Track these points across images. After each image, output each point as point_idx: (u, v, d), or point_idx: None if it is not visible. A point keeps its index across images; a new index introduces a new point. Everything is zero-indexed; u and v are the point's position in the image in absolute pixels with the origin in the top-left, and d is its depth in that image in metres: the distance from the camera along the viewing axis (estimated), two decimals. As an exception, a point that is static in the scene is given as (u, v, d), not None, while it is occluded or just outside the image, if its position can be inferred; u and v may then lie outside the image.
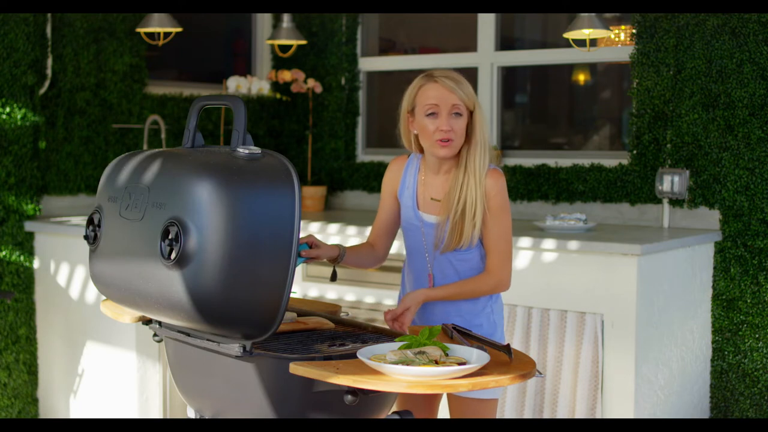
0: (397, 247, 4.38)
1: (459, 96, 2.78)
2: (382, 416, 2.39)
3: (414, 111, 2.85)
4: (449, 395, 2.91)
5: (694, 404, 4.35)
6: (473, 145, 2.80)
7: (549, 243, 3.99)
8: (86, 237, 2.38)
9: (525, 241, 4.04)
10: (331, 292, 4.64)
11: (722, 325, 4.41)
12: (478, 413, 2.89)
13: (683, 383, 4.24)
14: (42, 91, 4.71)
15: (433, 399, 3.03)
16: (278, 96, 5.70)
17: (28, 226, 4.67)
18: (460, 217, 2.79)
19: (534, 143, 5.53)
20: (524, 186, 4.94)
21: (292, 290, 2.18)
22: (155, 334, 2.57)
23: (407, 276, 3.00)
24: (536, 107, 5.80)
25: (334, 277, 2.89)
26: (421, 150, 2.91)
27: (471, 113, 2.81)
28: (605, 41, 4.94)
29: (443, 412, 3.29)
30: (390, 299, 4.42)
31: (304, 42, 5.42)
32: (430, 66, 5.56)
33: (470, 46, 5.31)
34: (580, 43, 4.44)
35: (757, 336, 4.34)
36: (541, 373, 2.76)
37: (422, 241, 2.90)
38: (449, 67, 5.42)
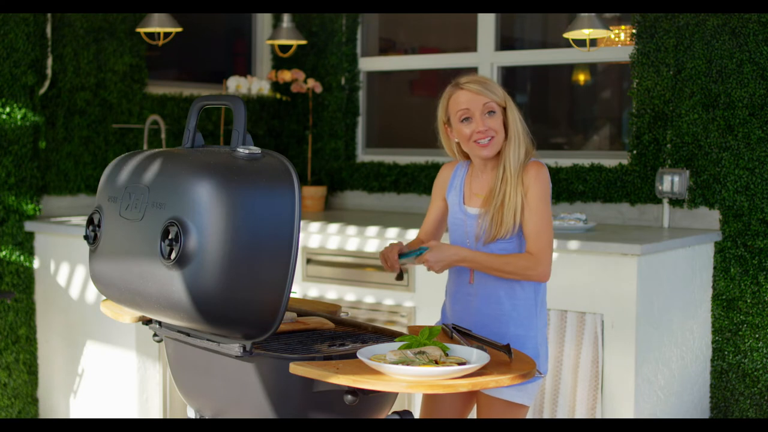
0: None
1: (488, 95, 2.86)
2: (382, 416, 2.39)
3: (449, 121, 2.95)
4: (479, 402, 2.92)
5: (694, 404, 4.35)
6: (509, 139, 2.87)
7: (549, 243, 3.99)
8: (86, 237, 2.38)
9: (525, 241, 4.04)
10: (331, 292, 4.64)
11: (722, 325, 4.41)
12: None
13: (683, 383, 4.24)
14: (42, 91, 4.71)
15: (462, 408, 3.03)
16: (278, 96, 5.70)
17: (28, 226, 4.67)
18: (499, 208, 2.85)
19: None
20: (524, 186, 4.94)
21: (292, 290, 2.18)
22: (155, 334, 2.57)
23: (451, 273, 3.04)
24: (536, 107, 5.80)
25: (400, 277, 2.97)
26: (466, 156, 3.01)
27: (504, 110, 2.89)
28: (605, 41, 4.94)
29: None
30: (390, 299, 4.43)
31: (304, 42, 5.42)
32: (430, 66, 5.56)
33: (470, 46, 5.31)
34: (580, 43, 4.44)
35: (757, 336, 4.34)
36: (541, 373, 2.77)
37: (465, 233, 2.95)
38: (449, 67, 5.43)
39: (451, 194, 3.03)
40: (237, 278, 2.04)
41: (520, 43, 5.66)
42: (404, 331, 3.19)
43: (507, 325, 2.88)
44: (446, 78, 5.95)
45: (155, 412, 4.37)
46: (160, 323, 2.49)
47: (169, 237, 2.05)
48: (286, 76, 5.46)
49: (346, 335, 2.54)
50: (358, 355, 2.14)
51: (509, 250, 2.88)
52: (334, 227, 4.55)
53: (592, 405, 3.90)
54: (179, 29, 4.66)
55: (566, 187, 4.83)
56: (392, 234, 4.33)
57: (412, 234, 4.23)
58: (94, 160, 4.96)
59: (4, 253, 4.61)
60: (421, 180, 5.31)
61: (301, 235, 3.74)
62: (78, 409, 4.60)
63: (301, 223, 3.86)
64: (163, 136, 5.02)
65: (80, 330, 4.54)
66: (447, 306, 3.05)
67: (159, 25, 4.63)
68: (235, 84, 5.36)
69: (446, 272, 3.05)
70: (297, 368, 2.11)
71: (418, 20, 5.81)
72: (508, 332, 2.87)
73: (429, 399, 3.03)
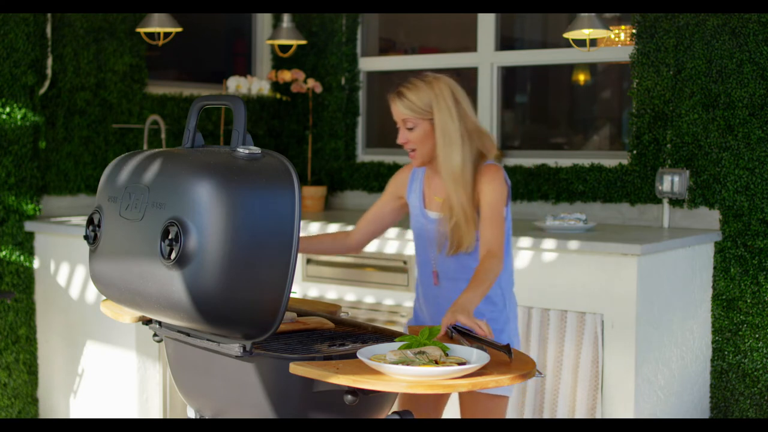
0: (397, 246, 4.38)
1: (404, 113, 2.86)
2: (382, 416, 2.39)
3: None
4: (460, 393, 2.93)
5: (694, 404, 4.35)
6: (438, 146, 2.86)
7: (549, 243, 3.99)
8: (86, 237, 2.38)
9: (525, 241, 4.04)
10: (331, 292, 4.64)
11: (722, 325, 4.41)
12: (489, 410, 2.90)
13: (683, 383, 4.24)
14: (42, 91, 4.71)
15: (438, 399, 3.05)
16: (278, 96, 5.70)
17: (28, 226, 4.67)
18: (456, 223, 2.86)
19: (534, 143, 5.53)
20: (524, 186, 4.94)
21: (292, 290, 2.18)
22: (155, 334, 2.57)
23: (418, 274, 3.06)
24: (536, 107, 5.80)
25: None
26: None
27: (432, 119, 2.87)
28: (605, 41, 4.95)
29: (451, 409, 3.30)
30: (390, 299, 4.43)
31: (304, 42, 5.42)
32: (430, 66, 5.56)
33: (470, 46, 5.31)
34: (580, 43, 4.44)
35: (757, 336, 4.34)
36: (541, 373, 2.77)
37: (427, 241, 2.97)
38: (449, 67, 5.43)
39: (412, 197, 3.03)
40: (237, 278, 2.04)
41: (520, 43, 5.66)
42: (404, 330, 3.20)
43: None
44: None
45: (155, 412, 4.37)
46: (160, 323, 2.49)
47: (169, 237, 2.05)
48: (286, 76, 5.46)
49: (346, 335, 2.54)
50: (358, 355, 2.14)
51: (469, 261, 2.89)
52: (334, 227, 4.55)
53: (592, 405, 3.90)
54: (179, 29, 4.66)
55: (566, 187, 4.83)
56: (392, 233, 4.33)
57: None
58: (94, 160, 4.96)
59: (4, 253, 4.61)
60: (421, 180, 5.31)
61: (301, 235, 3.74)
62: (78, 409, 4.60)
63: (301, 223, 3.86)
64: (163, 136, 5.02)
65: (80, 330, 4.54)
66: (420, 308, 3.06)
67: (159, 25, 4.63)
68: (235, 84, 5.36)
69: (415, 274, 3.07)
70: (297, 368, 2.11)
71: (418, 20, 5.81)
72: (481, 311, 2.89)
73: None
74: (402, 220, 4.73)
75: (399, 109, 2.87)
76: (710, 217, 4.47)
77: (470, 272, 2.87)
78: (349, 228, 4.51)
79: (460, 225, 2.86)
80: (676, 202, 4.55)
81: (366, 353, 2.16)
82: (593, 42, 4.83)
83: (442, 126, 2.85)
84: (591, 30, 4.27)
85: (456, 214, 2.85)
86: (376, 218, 3.11)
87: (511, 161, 5.08)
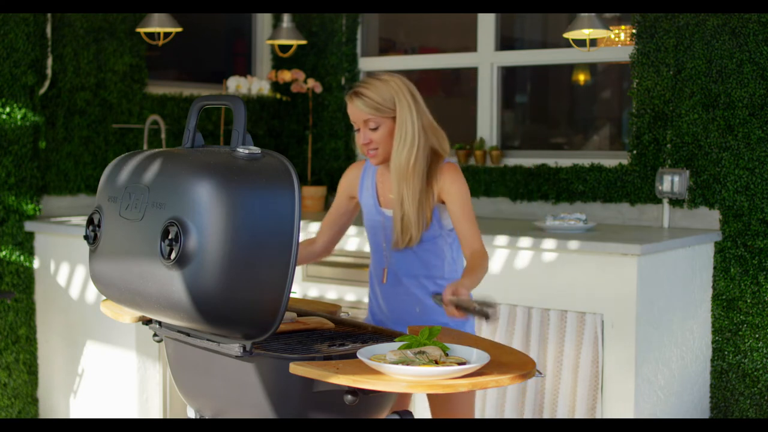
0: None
1: (367, 113, 2.83)
2: (382, 416, 2.39)
3: None
4: None
5: (694, 404, 4.35)
6: (394, 143, 2.85)
7: (549, 243, 3.99)
8: (86, 237, 2.38)
9: (525, 241, 4.04)
10: (331, 292, 4.64)
11: (722, 325, 4.41)
12: (458, 399, 2.90)
13: (683, 383, 4.24)
14: (42, 91, 4.71)
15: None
16: (278, 96, 5.70)
17: (28, 226, 4.67)
18: (403, 219, 2.87)
19: (534, 143, 5.53)
20: (524, 186, 4.94)
21: (292, 290, 2.18)
22: (155, 334, 2.57)
23: (374, 272, 3.06)
24: (536, 107, 5.81)
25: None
26: None
27: (394, 117, 2.86)
28: (605, 41, 4.95)
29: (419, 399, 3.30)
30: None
31: (304, 42, 5.42)
32: (430, 66, 5.56)
33: (470, 46, 5.31)
34: (580, 43, 4.44)
35: (757, 336, 4.34)
36: (541, 373, 2.77)
37: (383, 237, 2.97)
38: (449, 67, 5.43)
39: (364, 195, 3.01)
40: (237, 278, 2.04)
41: (520, 43, 5.66)
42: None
43: (442, 315, 2.90)
44: (446, 78, 5.97)
45: (155, 412, 4.37)
46: (160, 323, 2.49)
47: (169, 237, 2.05)
48: (286, 76, 5.46)
49: (346, 335, 2.54)
50: (358, 355, 2.14)
51: (427, 248, 2.90)
52: (334, 227, 4.54)
53: (592, 405, 3.90)
54: (179, 29, 4.66)
55: (566, 187, 4.83)
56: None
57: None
58: (94, 160, 4.96)
59: (4, 253, 4.61)
60: (421, 180, 5.30)
61: (301, 235, 3.74)
62: (78, 409, 4.60)
63: (301, 223, 3.86)
64: (163, 136, 5.02)
65: (80, 330, 4.54)
66: (379, 306, 3.04)
67: (159, 25, 4.63)
68: (235, 84, 5.36)
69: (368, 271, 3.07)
70: (297, 368, 2.11)
71: (418, 20, 5.81)
72: (448, 321, 2.90)
73: None
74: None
75: (361, 110, 2.83)
76: (710, 217, 4.47)
77: (422, 267, 2.90)
78: (349, 228, 4.51)
79: (408, 219, 2.85)
80: (676, 202, 4.55)
81: (366, 353, 2.16)
82: (593, 42, 4.83)
83: (403, 122, 2.84)
84: (591, 30, 4.27)
85: (403, 209, 2.85)
86: (334, 223, 3.10)
87: (511, 161, 5.08)
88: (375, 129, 2.84)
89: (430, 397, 2.98)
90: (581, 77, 5.45)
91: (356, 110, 2.84)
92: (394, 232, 2.90)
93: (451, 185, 2.86)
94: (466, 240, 2.85)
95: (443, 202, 2.89)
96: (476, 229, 2.87)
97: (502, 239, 4.09)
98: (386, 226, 2.95)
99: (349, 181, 3.07)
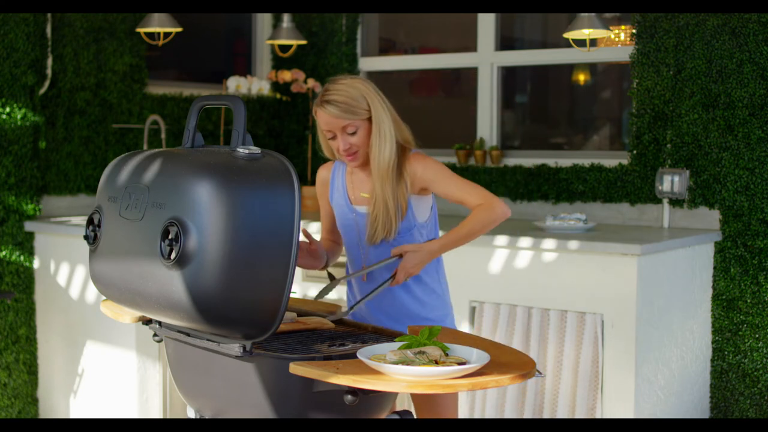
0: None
1: (346, 119, 2.81)
2: (382, 416, 2.39)
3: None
4: None
5: (694, 404, 4.35)
6: (372, 142, 2.84)
7: (549, 243, 3.99)
8: (86, 237, 2.38)
9: (525, 241, 4.04)
10: (331, 293, 4.63)
11: (722, 325, 4.41)
12: (442, 398, 2.90)
13: (683, 383, 4.24)
14: (42, 91, 4.71)
15: None
16: (278, 96, 5.70)
17: (28, 226, 4.67)
18: (383, 211, 2.86)
19: (534, 143, 5.53)
20: (524, 186, 4.94)
21: (292, 290, 2.18)
22: (155, 334, 2.57)
23: (351, 270, 3.06)
24: (536, 107, 5.80)
25: (332, 277, 2.95)
26: None
27: (370, 118, 2.85)
28: (605, 41, 4.95)
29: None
30: (390, 299, 4.42)
31: (304, 42, 5.42)
32: (430, 66, 5.56)
33: (470, 46, 5.31)
34: (580, 43, 4.44)
35: (757, 336, 4.34)
36: (541, 373, 2.77)
37: (357, 234, 2.97)
38: (449, 67, 5.43)
39: (335, 196, 3.01)
40: (237, 278, 2.04)
41: (520, 43, 5.66)
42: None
43: (426, 311, 2.92)
44: (446, 78, 5.97)
45: (155, 412, 4.37)
46: (160, 323, 2.49)
47: (169, 237, 2.05)
48: (286, 76, 5.46)
49: (346, 335, 2.54)
50: (358, 355, 2.14)
51: (404, 242, 2.90)
52: (334, 227, 4.54)
53: (592, 405, 3.90)
54: (179, 29, 4.66)
55: (566, 187, 4.83)
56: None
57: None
58: (94, 160, 4.96)
59: (4, 253, 4.61)
60: (421, 180, 5.30)
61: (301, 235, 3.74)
62: (78, 409, 4.60)
63: (301, 223, 3.86)
64: (163, 136, 5.02)
65: (80, 330, 4.54)
66: (356, 299, 3.04)
67: (159, 25, 4.63)
68: (235, 84, 5.36)
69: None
70: (297, 368, 2.11)
71: (418, 20, 5.81)
72: (428, 316, 2.93)
73: None
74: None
75: (338, 116, 2.80)
76: (710, 217, 4.47)
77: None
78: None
79: (387, 214, 2.86)
80: (676, 202, 4.55)
81: (366, 353, 2.16)
82: (593, 42, 4.83)
83: (379, 121, 2.83)
84: (591, 30, 4.27)
85: (382, 205, 2.85)
86: (333, 226, 3.10)
87: (511, 161, 5.08)
88: (353, 133, 2.83)
89: (414, 396, 2.98)
90: (581, 77, 5.45)
91: (331, 118, 2.81)
92: (370, 228, 2.90)
93: (425, 171, 2.86)
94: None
95: (424, 193, 2.90)
96: (470, 187, 2.86)
97: (502, 239, 4.09)
98: (359, 222, 2.95)
99: (322, 184, 3.07)
